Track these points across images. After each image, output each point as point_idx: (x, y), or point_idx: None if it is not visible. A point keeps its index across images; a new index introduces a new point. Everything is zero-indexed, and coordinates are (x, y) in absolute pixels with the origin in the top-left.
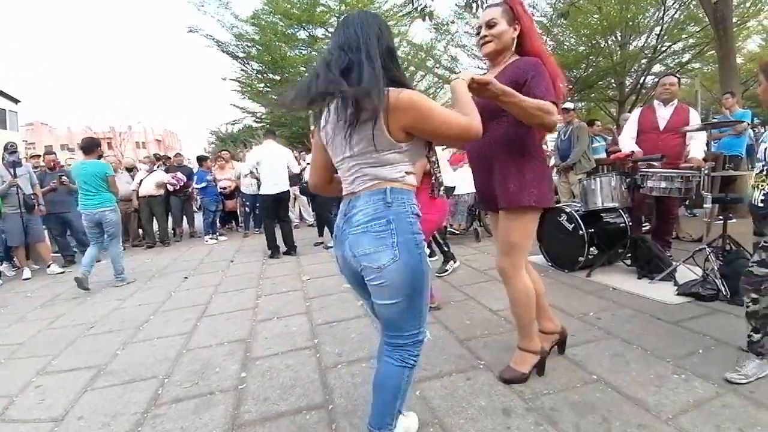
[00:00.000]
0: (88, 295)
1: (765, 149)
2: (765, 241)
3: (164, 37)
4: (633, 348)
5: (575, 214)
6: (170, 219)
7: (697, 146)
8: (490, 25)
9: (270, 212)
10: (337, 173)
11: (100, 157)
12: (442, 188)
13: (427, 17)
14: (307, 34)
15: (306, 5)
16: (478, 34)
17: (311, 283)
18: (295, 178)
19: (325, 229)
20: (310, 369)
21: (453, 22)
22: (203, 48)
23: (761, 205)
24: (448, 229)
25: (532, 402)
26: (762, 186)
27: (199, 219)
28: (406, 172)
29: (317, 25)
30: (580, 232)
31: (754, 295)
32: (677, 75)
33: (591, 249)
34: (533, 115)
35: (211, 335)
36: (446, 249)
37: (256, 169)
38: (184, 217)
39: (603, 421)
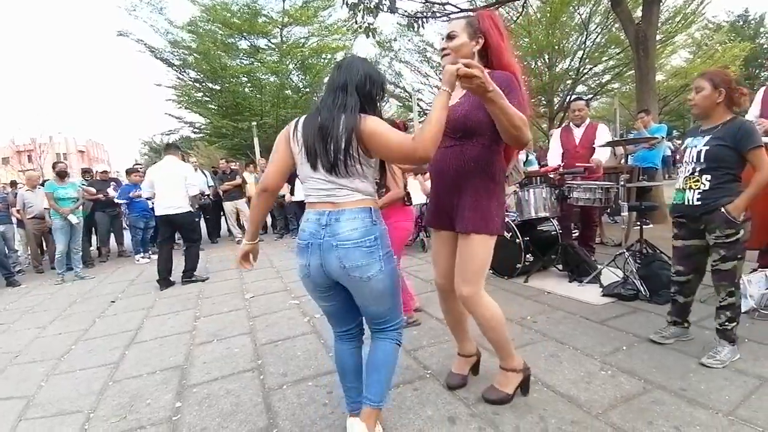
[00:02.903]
0: (9, 322)
1: (693, 152)
2: (716, 240)
3: (88, 41)
4: (566, 348)
5: (512, 223)
6: (95, 237)
7: (601, 153)
8: (450, 37)
9: (164, 234)
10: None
11: None
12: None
13: (370, 34)
14: (249, 44)
15: (247, 15)
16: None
17: (255, 300)
18: (236, 193)
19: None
20: (253, 392)
21: (396, 39)
22: (134, 53)
23: (698, 203)
24: None
25: (475, 407)
26: (696, 186)
27: (128, 237)
28: (377, 187)
29: (259, 35)
30: (517, 240)
31: (731, 289)
32: (584, 98)
33: (527, 256)
34: (515, 125)
35: (142, 364)
36: None
37: (153, 193)
38: (112, 235)
39: (540, 420)
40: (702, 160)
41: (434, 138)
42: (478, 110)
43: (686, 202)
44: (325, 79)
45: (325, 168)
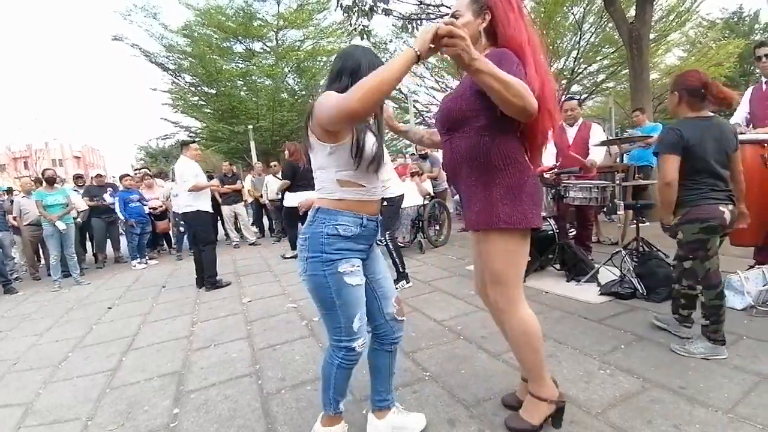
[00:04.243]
0: (6, 330)
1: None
2: (678, 241)
3: (84, 47)
4: (564, 347)
5: None
6: (91, 243)
7: (596, 152)
8: (454, 17)
9: (189, 236)
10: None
11: None
12: None
13: (365, 36)
14: (244, 48)
15: (242, 19)
16: None
17: (252, 305)
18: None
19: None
20: (251, 397)
21: (391, 41)
22: (129, 58)
23: None
24: None
25: (474, 409)
26: None
27: (125, 242)
28: (339, 180)
29: (254, 38)
30: None
31: (699, 287)
32: (576, 98)
33: None
34: (515, 94)
35: (139, 370)
36: (401, 269)
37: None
38: (109, 241)
39: None
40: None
41: (362, 88)
42: (461, 99)
43: None
44: (321, 82)
45: None
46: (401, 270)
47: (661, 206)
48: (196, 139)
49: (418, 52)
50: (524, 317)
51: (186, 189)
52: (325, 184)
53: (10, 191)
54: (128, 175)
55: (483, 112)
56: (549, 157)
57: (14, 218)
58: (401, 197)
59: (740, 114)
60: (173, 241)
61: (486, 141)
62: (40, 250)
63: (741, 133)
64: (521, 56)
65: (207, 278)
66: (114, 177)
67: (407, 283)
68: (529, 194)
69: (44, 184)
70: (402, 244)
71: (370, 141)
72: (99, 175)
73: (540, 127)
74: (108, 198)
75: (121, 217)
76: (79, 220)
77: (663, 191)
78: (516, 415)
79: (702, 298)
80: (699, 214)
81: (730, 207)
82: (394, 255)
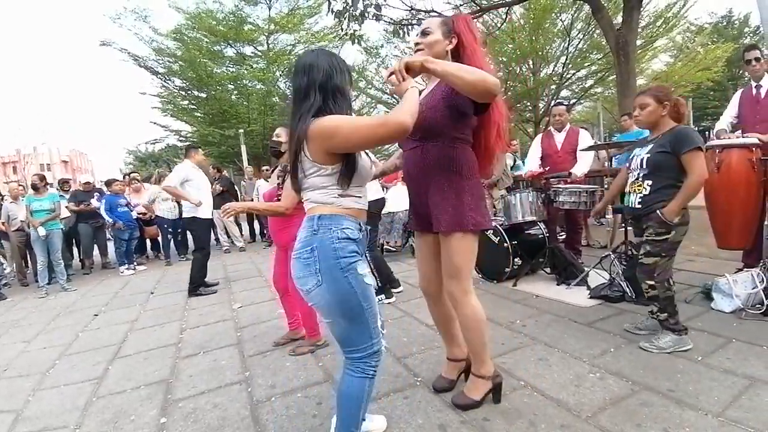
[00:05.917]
0: None
1: (638, 160)
2: (647, 236)
3: (72, 50)
4: (554, 351)
5: (500, 227)
6: (77, 249)
7: (581, 164)
8: (425, 33)
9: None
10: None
11: None
12: None
13: (356, 41)
14: (235, 52)
15: (232, 23)
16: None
17: (243, 311)
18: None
19: None
20: (240, 405)
21: (382, 46)
22: (117, 62)
23: (639, 206)
24: (385, 246)
25: (466, 414)
26: (638, 190)
27: (112, 248)
28: (340, 194)
29: (245, 42)
30: (505, 244)
31: (650, 282)
32: (565, 103)
33: (515, 260)
34: (478, 78)
35: (126, 378)
36: (380, 284)
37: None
38: (96, 247)
39: (530, 425)
40: (645, 167)
41: (409, 110)
42: (433, 111)
43: (630, 205)
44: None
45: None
46: (380, 284)
47: (681, 202)
48: (188, 144)
49: (416, 86)
50: (476, 305)
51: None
52: (324, 197)
53: None
54: (116, 180)
55: (455, 125)
56: (533, 162)
57: (2, 223)
58: (381, 200)
59: (726, 119)
60: (161, 246)
61: (457, 152)
62: (28, 256)
63: (727, 138)
64: None
65: (190, 283)
66: (102, 181)
67: (387, 298)
68: (484, 201)
69: (31, 190)
70: (393, 249)
71: (365, 157)
72: (87, 183)
73: (491, 146)
74: (95, 202)
75: (108, 219)
76: (63, 227)
77: (698, 188)
78: (461, 393)
79: (655, 292)
80: (688, 217)
81: None
82: (373, 265)
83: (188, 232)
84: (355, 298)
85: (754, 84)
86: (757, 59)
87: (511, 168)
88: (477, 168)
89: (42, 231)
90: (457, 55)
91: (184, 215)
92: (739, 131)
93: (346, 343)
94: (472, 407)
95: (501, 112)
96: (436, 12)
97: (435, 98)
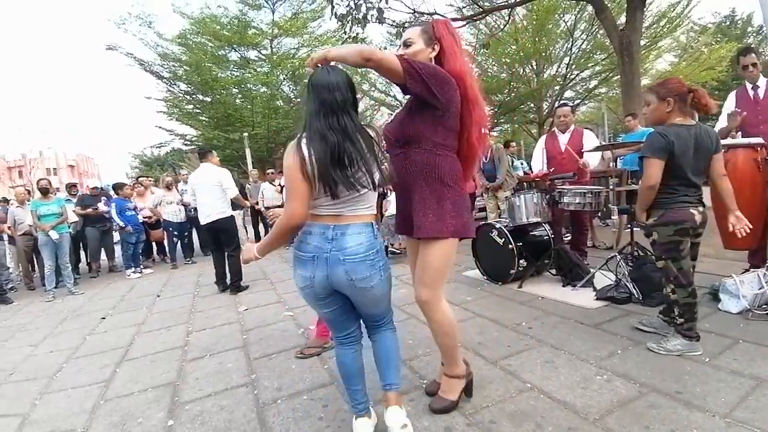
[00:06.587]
0: (2, 340)
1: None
2: (653, 241)
3: (78, 55)
4: (561, 353)
5: (505, 229)
6: (84, 252)
7: (590, 158)
8: (407, 44)
9: (209, 243)
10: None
11: None
12: None
13: (359, 43)
14: (239, 56)
15: (237, 27)
16: None
17: (248, 313)
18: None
19: None
20: (247, 408)
21: (386, 48)
22: (123, 67)
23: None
24: (389, 249)
25: (472, 417)
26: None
27: (119, 252)
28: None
29: (249, 46)
30: (510, 246)
31: (672, 286)
32: (569, 104)
33: (520, 261)
34: (353, 52)
35: (133, 381)
36: None
37: (194, 199)
38: (103, 251)
39: (537, 428)
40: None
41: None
42: (411, 119)
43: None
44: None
45: (348, 190)
46: None
47: (638, 206)
48: (193, 147)
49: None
50: (447, 310)
51: (231, 196)
52: (372, 202)
53: (5, 201)
54: (125, 184)
55: (434, 128)
56: (537, 164)
57: (9, 228)
58: None
59: (724, 121)
60: (167, 249)
61: (440, 160)
62: (35, 260)
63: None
64: (463, 82)
65: (235, 281)
66: (108, 185)
67: None
68: (467, 210)
69: (37, 194)
70: (398, 251)
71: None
72: (95, 188)
73: (473, 143)
74: (102, 206)
75: (120, 223)
76: (71, 230)
77: (645, 193)
78: (437, 397)
79: (675, 297)
80: (673, 216)
81: (700, 209)
82: None
83: (195, 235)
84: (390, 283)
85: (750, 85)
86: (754, 65)
87: (515, 169)
88: (460, 177)
89: (54, 234)
90: (440, 61)
91: (222, 216)
92: (739, 133)
93: (385, 314)
94: (451, 409)
95: (482, 113)
96: (439, 14)
97: (406, 106)
